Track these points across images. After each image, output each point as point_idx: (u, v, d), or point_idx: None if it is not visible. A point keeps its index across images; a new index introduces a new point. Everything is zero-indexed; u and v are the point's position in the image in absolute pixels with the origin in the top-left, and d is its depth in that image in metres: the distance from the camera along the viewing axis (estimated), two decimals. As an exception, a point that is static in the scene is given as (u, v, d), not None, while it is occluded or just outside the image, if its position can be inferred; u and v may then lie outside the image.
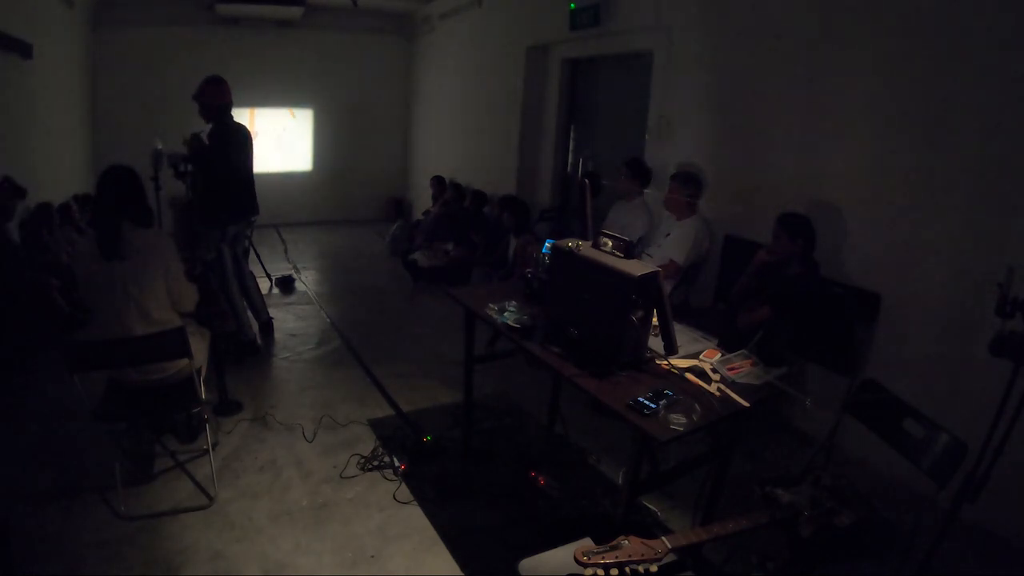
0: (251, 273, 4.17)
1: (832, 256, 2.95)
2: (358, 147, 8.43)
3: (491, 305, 2.27)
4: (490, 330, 2.92)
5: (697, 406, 1.65)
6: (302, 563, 2.16)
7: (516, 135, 5.72)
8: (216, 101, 3.65)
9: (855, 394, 1.93)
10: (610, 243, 1.94)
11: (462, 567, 2.18)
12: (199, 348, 2.55)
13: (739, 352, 1.95)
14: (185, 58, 6.69)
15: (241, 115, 7.41)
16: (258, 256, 5.30)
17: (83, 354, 2.22)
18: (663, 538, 1.37)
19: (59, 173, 5.27)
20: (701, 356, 1.94)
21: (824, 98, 3.01)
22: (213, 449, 2.63)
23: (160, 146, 4.13)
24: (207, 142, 3.67)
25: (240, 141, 3.78)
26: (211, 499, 2.46)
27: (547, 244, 2.37)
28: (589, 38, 4.75)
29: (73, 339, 2.50)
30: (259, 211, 4.01)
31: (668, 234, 3.59)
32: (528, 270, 2.47)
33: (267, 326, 4.23)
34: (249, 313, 4.05)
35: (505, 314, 2.19)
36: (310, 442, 2.93)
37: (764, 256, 2.91)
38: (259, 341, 4.06)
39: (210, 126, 3.68)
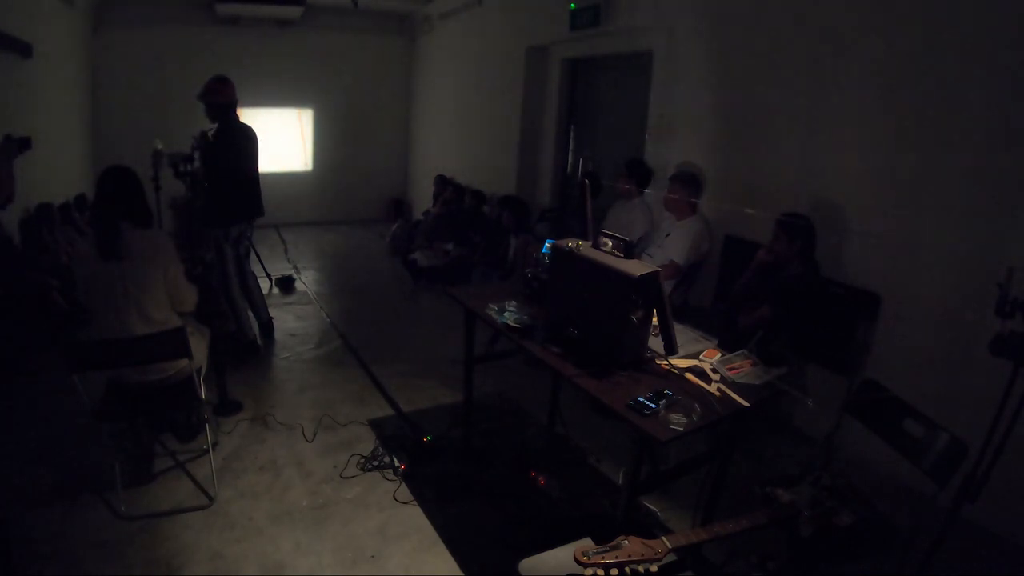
0: (252, 273, 4.16)
1: (832, 256, 2.94)
2: (358, 147, 8.42)
3: (491, 305, 2.27)
4: (490, 330, 2.92)
5: (697, 406, 1.65)
6: (302, 563, 2.16)
7: (516, 135, 5.72)
8: (221, 101, 3.64)
9: (855, 394, 1.93)
10: (610, 243, 1.94)
11: (462, 567, 2.18)
12: (199, 348, 2.55)
13: (739, 352, 1.95)
14: (185, 58, 6.70)
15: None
16: (258, 256, 5.29)
17: (83, 354, 2.22)
18: (663, 538, 1.38)
19: (59, 173, 5.25)
20: (701, 356, 1.94)
21: (824, 98, 3.01)
22: (213, 449, 2.63)
23: (160, 146, 4.13)
24: (212, 140, 3.66)
25: (244, 141, 3.77)
26: (211, 499, 2.46)
27: (547, 244, 2.37)
28: (589, 38, 4.75)
29: (73, 339, 2.49)
30: (263, 212, 3.99)
31: (668, 234, 3.59)
32: (528, 270, 2.47)
33: (267, 326, 4.23)
34: (249, 313, 4.05)
35: (505, 314, 2.19)
36: (310, 442, 2.93)
37: (764, 256, 2.91)
38: (259, 341, 4.06)
39: (215, 126, 3.68)
